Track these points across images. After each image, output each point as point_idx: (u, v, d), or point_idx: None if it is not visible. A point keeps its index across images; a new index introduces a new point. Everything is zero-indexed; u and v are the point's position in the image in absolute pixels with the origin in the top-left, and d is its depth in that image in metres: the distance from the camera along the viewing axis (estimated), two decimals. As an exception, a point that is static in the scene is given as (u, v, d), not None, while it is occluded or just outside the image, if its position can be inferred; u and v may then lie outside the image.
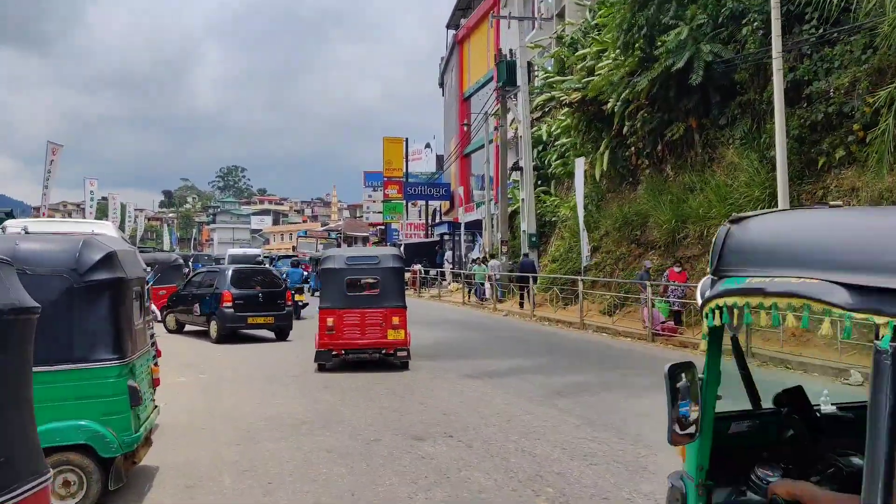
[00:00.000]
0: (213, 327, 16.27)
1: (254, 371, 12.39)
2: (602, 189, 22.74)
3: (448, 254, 34.92)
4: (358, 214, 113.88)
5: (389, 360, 12.25)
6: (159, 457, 6.83)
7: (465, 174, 47.89)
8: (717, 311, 2.42)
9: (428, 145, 63.21)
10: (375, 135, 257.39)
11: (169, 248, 79.77)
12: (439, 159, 63.63)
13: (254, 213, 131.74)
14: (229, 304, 16.02)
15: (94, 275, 5.38)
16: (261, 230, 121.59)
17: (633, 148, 20.57)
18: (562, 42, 30.33)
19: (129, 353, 5.64)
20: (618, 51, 19.93)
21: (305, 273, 25.36)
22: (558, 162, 25.95)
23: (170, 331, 17.50)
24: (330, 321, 11.84)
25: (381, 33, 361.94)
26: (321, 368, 11.98)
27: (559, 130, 25.86)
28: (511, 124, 27.90)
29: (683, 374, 2.53)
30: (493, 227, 30.68)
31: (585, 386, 10.85)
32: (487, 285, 25.50)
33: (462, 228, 33.89)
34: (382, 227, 64.15)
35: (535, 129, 27.01)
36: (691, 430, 2.57)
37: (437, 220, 44.09)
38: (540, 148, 27.89)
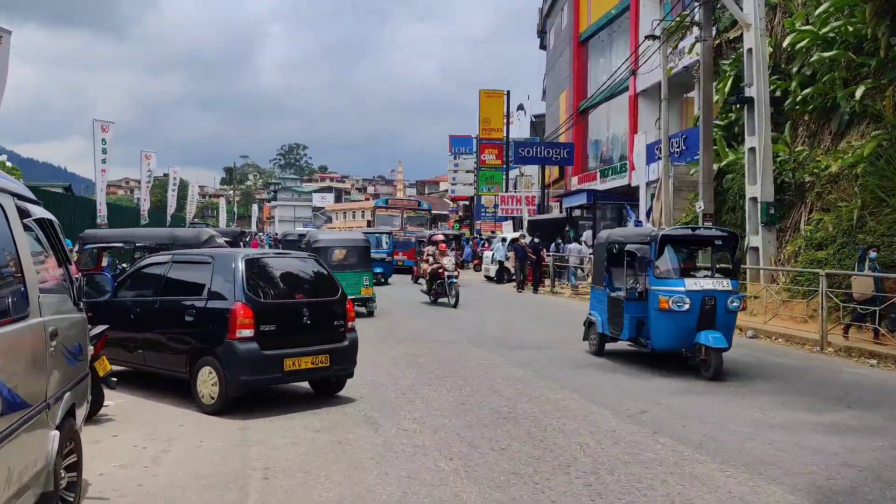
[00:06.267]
0: (209, 382, 7.25)
1: None
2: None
3: (587, 234, 25.59)
4: (427, 191, 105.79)
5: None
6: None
7: (580, 136, 38.41)
8: None
9: (521, 107, 53.63)
10: (440, 115, 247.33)
11: (226, 226, 72.98)
12: (534, 126, 54.24)
13: (315, 191, 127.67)
14: (248, 331, 7.14)
15: None
16: (323, 207, 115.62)
17: None
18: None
19: None
20: None
21: None
22: (807, 91, 16.41)
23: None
24: None
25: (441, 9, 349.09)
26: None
27: (807, 42, 16.35)
28: (692, 48, 18.36)
29: None
30: (666, 195, 21.35)
31: None
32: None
33: (643, 195, 23.69)
34: (466, 203, 55.22)
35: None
36: None
37: (568, 191, 34.58)
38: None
